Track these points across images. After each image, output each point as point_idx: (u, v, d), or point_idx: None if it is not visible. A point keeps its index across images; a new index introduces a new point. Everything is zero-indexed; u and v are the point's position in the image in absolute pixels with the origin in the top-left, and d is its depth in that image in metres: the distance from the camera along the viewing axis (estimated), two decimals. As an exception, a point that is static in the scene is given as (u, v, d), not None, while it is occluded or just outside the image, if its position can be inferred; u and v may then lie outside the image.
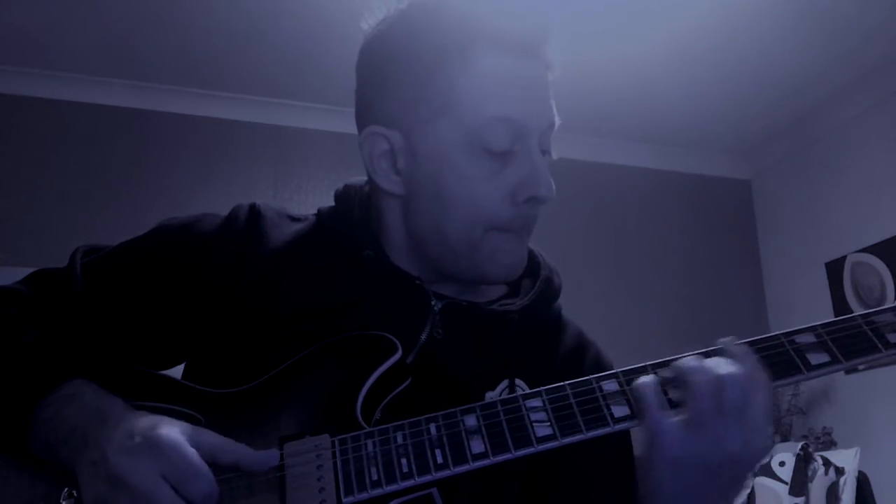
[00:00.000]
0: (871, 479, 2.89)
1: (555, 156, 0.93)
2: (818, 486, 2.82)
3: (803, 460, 2.88)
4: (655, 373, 0.78)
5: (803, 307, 3.80)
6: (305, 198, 3.56)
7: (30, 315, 0.89)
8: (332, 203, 1.00)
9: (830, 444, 3.22)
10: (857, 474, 2.84)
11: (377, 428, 0.78)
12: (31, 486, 0.80)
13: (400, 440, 0.76)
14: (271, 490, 0.75)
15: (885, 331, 0.79)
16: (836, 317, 0.82)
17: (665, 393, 0.76)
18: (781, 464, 2.91)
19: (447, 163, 0.87)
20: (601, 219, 3.94)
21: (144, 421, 0.75)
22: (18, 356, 0.83)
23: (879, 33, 3.15)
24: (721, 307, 3.89)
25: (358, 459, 0.76)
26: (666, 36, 3.14)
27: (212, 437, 0.75)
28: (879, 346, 0.79)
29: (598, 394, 0.78)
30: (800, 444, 2.98)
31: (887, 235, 3.42)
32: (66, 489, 0.77)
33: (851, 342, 0.79)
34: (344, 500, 0.74)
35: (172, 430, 0.73)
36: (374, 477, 0.74)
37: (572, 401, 0.78)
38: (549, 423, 0.76)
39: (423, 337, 0.89)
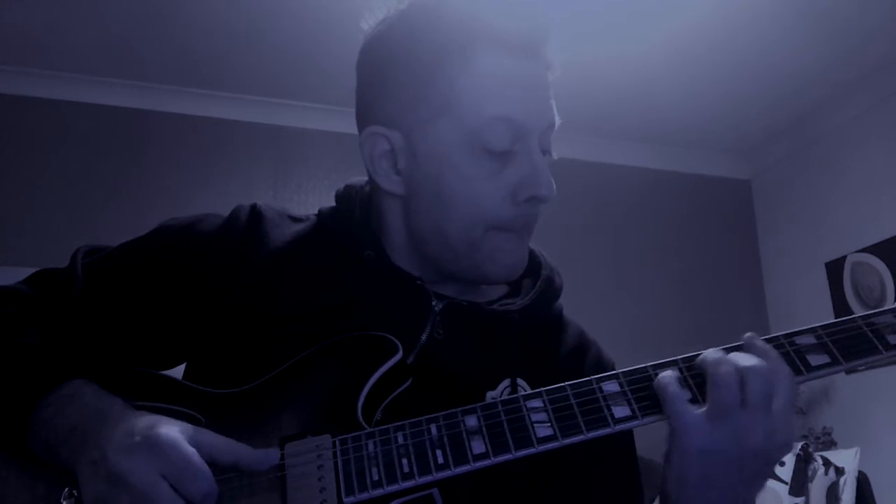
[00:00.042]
0: (871, 479, 2.88)
1: (555, 155, 0.93)
2: (818, 486, 2.82)
3: (803, 460, 2.88)
4: (679, 368, 0.78)
5: (803, 307, 3.80)
6: (305, 198, 3.56)
7: (31, 315, 0.89)
8: (333, 203, 1.00)
9: (830, 444, 3.22)
10: (857, 474, 2.84)
11: (378, 428, 0.78)
12: (31, 486, 0.80)
13: (401, 440, 0.76)
14: (272, 490, 0.75)
15: (885, 332, 0.80)
16: (836, 317, 0.82)
17: (688, 387, 0.77)
18: (781, 464, 2.90)
19: (447, 163, 0.87)
20: (601, 219, 3.94)
21: (144, 420, 0.75)
22: (19, 356, 0.83)
23: (879, 33, 3.15)
24: (721, 307, 3.89)
25: (359, 459, 0.76)
26: (666, 36, 3.14)
27: (211, 437, 0.75)
28: (879, 347, 0.79)
29: (599, 394, 0.78)
30: (800, 444, 2.98)
31: (887, 235, 3.42)
32: (66, 489, 0.77)
33: (851, 343, 0.79)
34: (345, 500, 0.74)
35: (172, 430, 0.73)
36: (375, 477, 0.74)
37: (573, 401, 0.78)
38: (549, 424, 0.76)
39: (424, 337, 0.89)
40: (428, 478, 0.74)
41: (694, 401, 0.76)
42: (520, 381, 0.89)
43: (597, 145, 3.96)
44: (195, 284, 0.91)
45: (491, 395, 0.87)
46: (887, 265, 3.41)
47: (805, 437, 3.28)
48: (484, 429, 0.77)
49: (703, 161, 4.20)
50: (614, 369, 0.83)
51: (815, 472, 2.86)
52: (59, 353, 0.84)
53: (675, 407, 0.75)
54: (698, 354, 0.79)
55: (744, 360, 0.75)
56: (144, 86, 3.43)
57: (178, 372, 0.94)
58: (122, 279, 0.93)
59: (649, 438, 1.12)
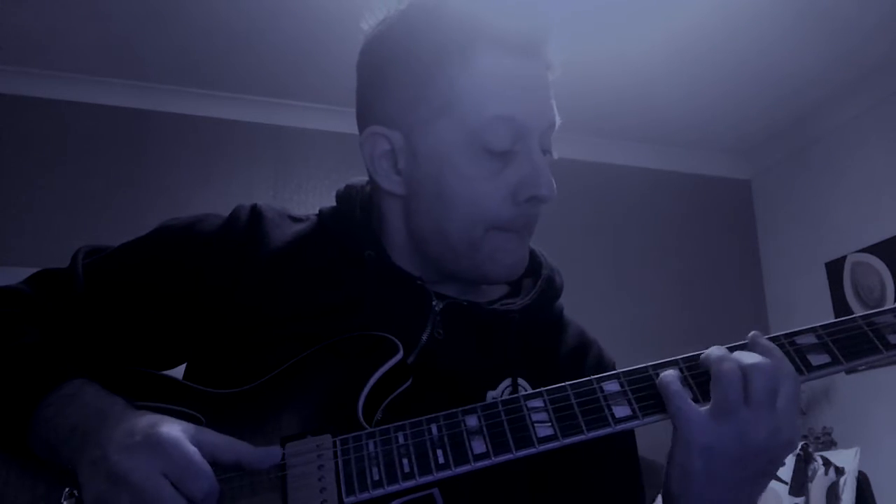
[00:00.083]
0: (871, 479, 2.88)
1: (555, 155, 0.93)
2: (818, 486, 2.82)
3: (803, 460, 2.88)
4: (680, 368, 0.79)
5: (803, 307, 3.80)
6: (305, 198, 3.56)
7: (32, 315, 0.89)
8: (334, 203, 1.00)
9: (830, 444, 3.22)
10: (857, 474, 2.84)
11: (378, 428, 0.78)
12: (31, 486, 0.80)
13: (401, 440, 0.76)
14: (272, 490, 0.75)
15: (885, 332, 0.80)
16: (836, 317, 0.82)
17: (689, 387, 0.77)
18: (782, 463, 2.90)
19: (448, 163, 0.87)
20: (601, 219, 3.94)
21: (145, 419, 0.75)
22: (20, 356, 0.83)
23: (879, 33, 3.15)
24: (721, 307, 3.89)
25: (359, 459, 0.76)
26: (666, 36, 3.14)
27: (213, 436, 0.75)
28: (880, 346, 0.79)
29: (600, 394, 0.78)
30: (800, 444, 2.98)
31: (887, 235, 3.42)
32: (66, 489, 0.77)
33: (852, 343, 0.79)
34: (345, 500, 0.74)
35: (173, 429, 0.73)
36: (376, 477, 0.74)
37: (573, 401, 0.78)
38: (550, 424, 0.77)
39: (425, 337, 0.89)
40: (428, 478, 0.74)
41: (695, 400, 0.76)
42: (520, 380, 0.89)
43: (597, 145, 3.96)
44: (195, 284, 0.91)
45: (492, 395, 0.87)
46: (887, 265, 3.41)
47: (805, 437, 3.28)
48: (484, 429, 0.77)
49: (703, 161, 4.20)
50: (615, 369, 0.83)
51: (815, 472, 2.86)
52: (60, 353, 0.84)
53: (678, 404, 0.75)
54: (699, 354, 0.79)
55: (747, 357, 0.75)
56: (144, 86, 3.44)
57: (178, 372, 0.94)
58: (123, 279, 0.93)
59: (650, 438, 1.12)
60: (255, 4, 2.94)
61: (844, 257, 3.61)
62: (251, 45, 3.18)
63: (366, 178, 1.00)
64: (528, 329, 0.93)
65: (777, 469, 0.78)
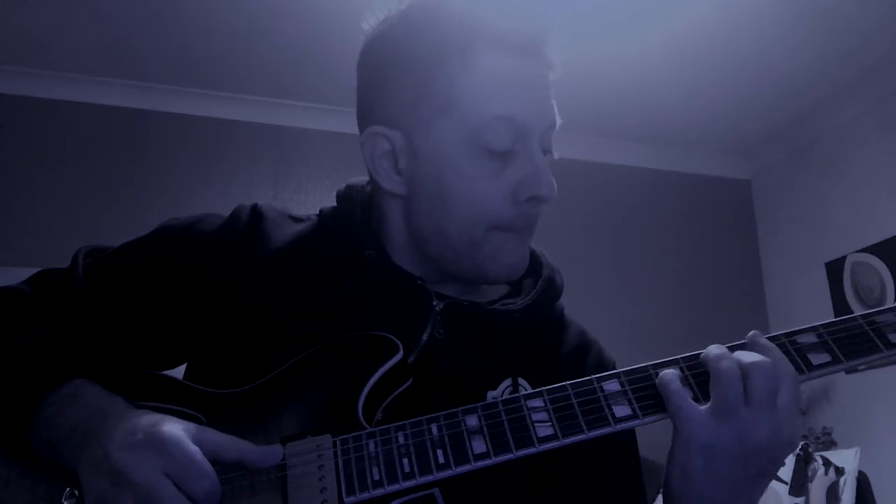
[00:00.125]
0: (871, 479, 2.88)
1: (556, 155, 0.93)
2: (818, 486, 2.82)
3: (803, 460, 2.88)
4: (680, 367, 0.79)
5: (803, 307, 3.80)
6: (305, 198, 3.56)
7: (32, 315, 0.89)
8: (334, 203, 1.00)
9: (830, 444, 3.22)
10: (857, 474, 2.84)
11: (379, 428, 0.78)
12: (32, 486, 0.80)
13: (401, 440, 0.76)
14: (273, 490, 0.75)
15: (886, 331, 0.79)
16: (836, 317, 0.82)
17: (689, 386, 0.77)
18: (782, 463, 2.90)
19: (448, 163, 0.87)
20: (601, 219, 3.94)
21: (146, 418, 0.75)
22: (20, 356, 0.83)
23: (879, 33, 3.15)
24: (721, 307, 3.89)
25: (359, 459, 0.76)
26: (666, 36, 3.14)
27: (214, 435, 0.75)
28: (881, 346, 0.79)
29: (600, 394, 0.78)
30: (800, 444, 2.98)
31: (887, 235, 3.42)
32: (67, 489, 0.77)
33: (853, 342, 0.79)
34: (345, 499, 0.74)
35: (175, 427, 0.73)
36: (376, 477, 0.74)
37: (574, 401, 0.78)
38: (550, 424, 0.76)
39: (425, 337, 0.89)
40: (429, 477, 0.74)
41: (695, 400, 0.76)
42: (521, 380, 0.89)
43: (597, 145, 3.96)
44: (196, 284, 0.91)
45: (492, 395, 0.87)
46: (887, 265, 3.41)
47: (805, 437, 3.28)
48: (485, 428, 0.77)
49: (703, 161, 4.20)
50: (615, 369, 0.83)
51: (815, 472, 2.86)
52: (61, 353, 0.84)
53: (678, 403, 0.75)
54: (699, 354, 0.79)
55: (747, 356, 0.75)
56: (144, 86, 3.44)
57: (178, 372, 0.94)
58: (123, 279, 0.93)
59: (650, 438, 1.12)
60: (255, 4, 2.94)
61: (844, 257, 3.61)
62: (251, 45, 3.18)
63: (366, 178, 1.00)
64: (528, 329, 0.93)
65: (777, 469, 0.78)
